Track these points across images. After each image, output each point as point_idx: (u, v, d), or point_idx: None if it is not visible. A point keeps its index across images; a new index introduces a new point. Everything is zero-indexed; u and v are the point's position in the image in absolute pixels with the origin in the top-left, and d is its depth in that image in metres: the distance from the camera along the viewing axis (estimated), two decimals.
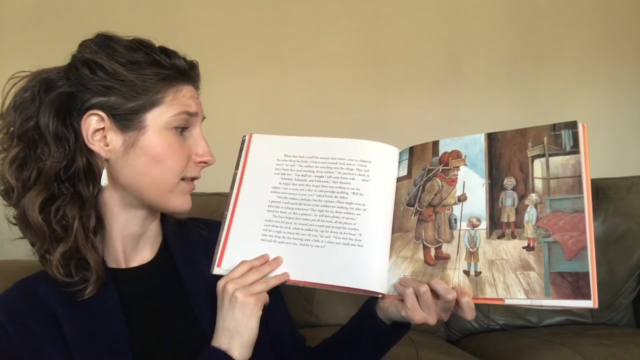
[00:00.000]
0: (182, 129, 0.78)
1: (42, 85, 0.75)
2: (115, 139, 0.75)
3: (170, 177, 0.76)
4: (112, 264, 0.81)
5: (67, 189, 0.74)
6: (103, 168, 0.76)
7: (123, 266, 0.82)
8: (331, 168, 0.81)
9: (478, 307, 0.69)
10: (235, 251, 0.79)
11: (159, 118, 0.75)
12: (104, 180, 0.75)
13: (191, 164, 0.79)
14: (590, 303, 0.60)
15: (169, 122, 0.76)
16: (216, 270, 0.79)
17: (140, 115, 0.74)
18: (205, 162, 0.80)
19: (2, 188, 0.76)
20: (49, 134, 0.73)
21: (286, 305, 0.92)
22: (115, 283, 0.78)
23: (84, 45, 0.77)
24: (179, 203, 0.79)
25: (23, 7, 1.97)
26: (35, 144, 0.74)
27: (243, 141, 0.88)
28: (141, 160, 0.75)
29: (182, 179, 0.78)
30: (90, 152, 0.75)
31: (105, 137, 0.75)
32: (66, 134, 0.74)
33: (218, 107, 1.88)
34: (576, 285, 0.62)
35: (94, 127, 0.74)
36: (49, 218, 0.73)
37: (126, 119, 0.74)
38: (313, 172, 0.82)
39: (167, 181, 0.76)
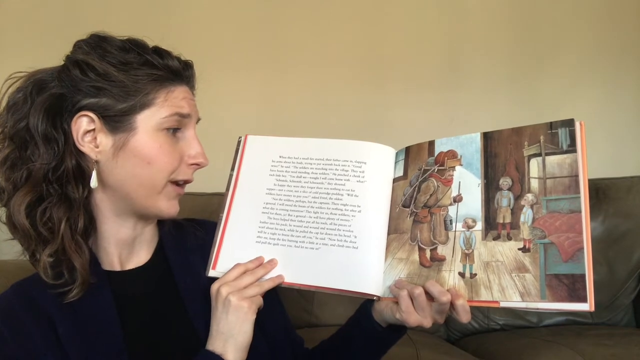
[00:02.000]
0: (174, 130, 0.77)
1: (34, 86, 0.74)
2: (105, 140, 0.74)
3: (159, 178, 0.76)
4: (107, 267, 0.81)
5: (55, 191, 0.73)
6: (93, 170, 0.75)
7: (118, 269, 0.81)
8: (326, 169, 0.80)
9: (477, 307, 0.68)
10: (230, 253, 0.79)
11: (150, 119, 0.74)
12: (94, 181, 0.75)
13: (183, 166, 0.78)
14: (587, 306, 0.59)
15: (160, 124, 0.75)
16: (211, 273, 0.79)
17: (130, 117, 0.74)
18: (197, 164, 0.80)
19: None
20: (38, 135, 0.72)
21: (283, 307, 0.92)
22: (110, 285, 0.78)
23: (77, 45, 0.77)
24: (166, 207, 0.78)
25: (22, 6, 1.97)
26: (25, 145, 0.73)
27: (239, 142, 0.87)
28: (131, 162, 0.74)
29: (174, 182, 0.78)
30: (81, 153, 0.74)
31: (95, 138, 0.74)
32: (55, 135, 0.73)
33: (217, 107, 1.89)
34: (572, 287, 0.61)
35: (85, 128, 0.73)
36: (34, 220, 0.73)
37: (116, 121, 0.73)
38: (308, 173, 0.81)
39: (156, 183, 0.76)
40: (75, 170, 0.74)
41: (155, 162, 0.75)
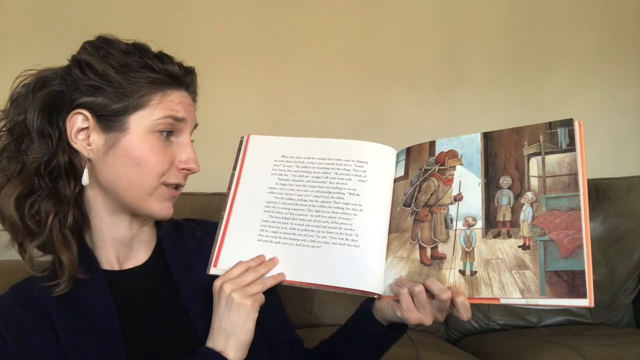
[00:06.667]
0: (168, 134, 0.77)
1: (37, 83, 0.76)
2: (97, 139, 0.75)
3: (148, 180, 0.76)
4: (106, 266, 0.81)
5: (46, 185, 0.75)
6: (84, 167, 0.76)
7: (117, 268, 0.82)
8: (328, 169, 0.81)
9: (478, 307, 0.68)
10: (231, 251, 0.79)
11: (143, 121, 0.75)
12: (85, 179, 0.76)
13: (174, 169, 0.78)
14: (586, 302, 0.60)
15: (153, 126, 0.76)
16: (212, 271, 0.79)
17: (124, 117, 0.75)
18: (188, 170, 0.80)
19: None
20: (34, 130, 0.74)
21: (283, 307, 0.92)
22: (109, 285, 0.79)
23: (83, 46, 0.79)
24: (159, 209, 0.78)
25: (23, 6, 1.97)
26: (22, 138, 0.75)
27: (241, 142, 0.88)
28: (120, 161, 0.75)
29: (164, 184, 0.78)
30: (73, 150, 0.76)
31: (88, 136, 0.76)
32: (50, 131, 0.75)
33: (217, 107, 1.90)
34: (572, 284, 0.61)
35: (79, 125, 0.75)
36: (22, 212, 0.74)
37: (110, 120, 0.75)
38: (310, 172, 0.82)
39: (146, 184, 0.76)
40: (67, 167, 0.76)
41: (144, 164, 0.75)
